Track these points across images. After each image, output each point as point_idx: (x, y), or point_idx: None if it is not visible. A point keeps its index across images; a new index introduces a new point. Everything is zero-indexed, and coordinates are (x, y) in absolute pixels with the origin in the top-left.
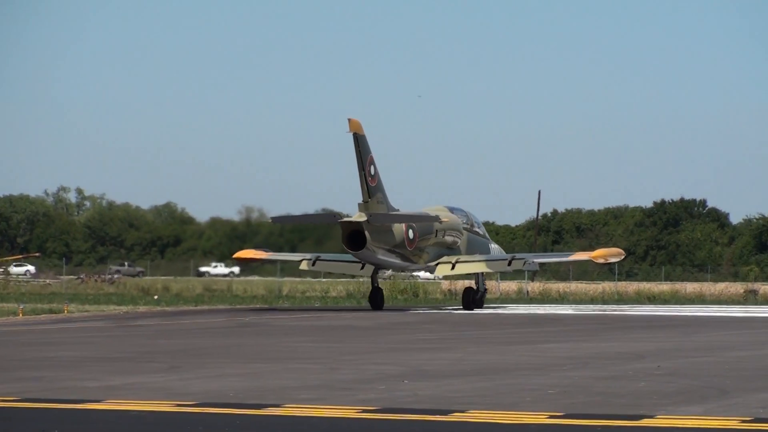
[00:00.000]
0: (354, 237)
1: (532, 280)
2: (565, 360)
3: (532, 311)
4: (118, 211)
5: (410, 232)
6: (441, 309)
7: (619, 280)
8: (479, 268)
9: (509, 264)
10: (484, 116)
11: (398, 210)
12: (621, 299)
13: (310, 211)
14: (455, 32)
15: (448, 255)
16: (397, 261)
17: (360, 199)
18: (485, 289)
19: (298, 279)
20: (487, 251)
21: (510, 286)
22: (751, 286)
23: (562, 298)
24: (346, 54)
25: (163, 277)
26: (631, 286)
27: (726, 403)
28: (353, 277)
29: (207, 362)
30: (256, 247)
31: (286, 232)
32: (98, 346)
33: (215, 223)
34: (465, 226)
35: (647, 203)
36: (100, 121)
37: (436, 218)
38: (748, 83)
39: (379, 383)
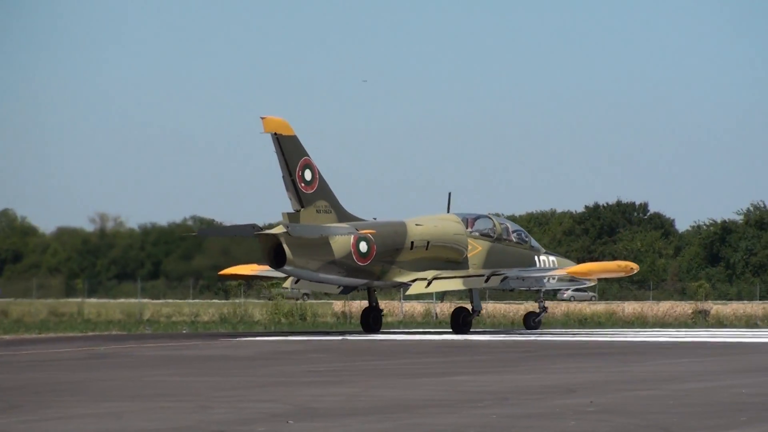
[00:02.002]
0: (275, 252)
1: (441, 300)
2: (482, 395)
3: (443, 337)
4: None
5: (363, 244)
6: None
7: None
8: (455, 285)
9: (487, 280)
10: (388, 108)
11: (370, 220)
12: (546, 322)
13: (178, 220)
14: (362, 25)
15: (443, 270)
16: (347, 278)
17: (286, 209)
18: (477, 311)
19: (161, 301)
20: (530, 263)
21: (415, 307)
22: (700, 305)
23: (477, 321)
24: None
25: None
26: (559, 307)
27: None
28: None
29: (54, 401)
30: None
31: (148, 246)
32: None
33: (63, 234)
34: (489, 234)
35: (578, 208)
36: None
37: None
38: (693, 71)
39: (259, 424)
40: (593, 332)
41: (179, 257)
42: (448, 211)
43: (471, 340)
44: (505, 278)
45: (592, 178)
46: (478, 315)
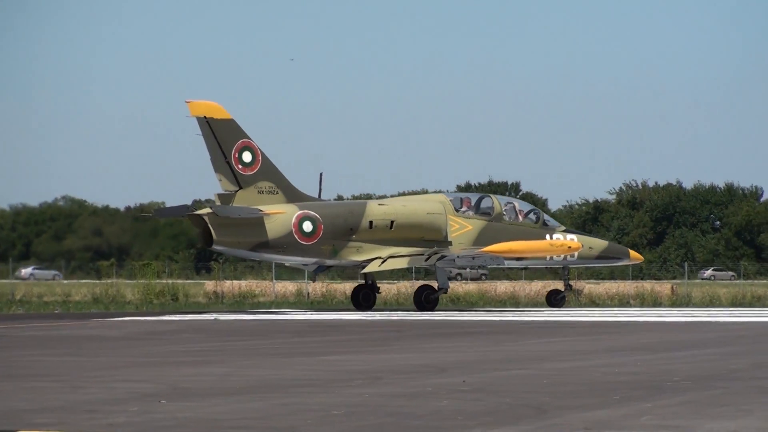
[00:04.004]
0: (207, 232)
1: (314, 280)
2: (353, 374)
3: (316, 317)
4: None
5: (307, 224)
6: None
7: (417, 279)
8: (401, 264)
9: (427, 259)
10: (256, 86)
11: (325, 201)
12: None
13: (50, 200)
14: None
15: (416, 247)
16: (290, 257)
17: (218, 189)
18: (445, 288)
19: (32, 281)
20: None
21: (287, 286)
22: (573, 284)
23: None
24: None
25: None
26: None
27: (544, 424)
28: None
29: None
30: None
31: (19, 226)
32: None
33: None
34: (487, 213)
35: (450, 187)
36: None
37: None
38: (565, 50)
39: (131, 404)
40: (466, 311)
41: (50, 238)
42: (320, 191)
43: (342, 319)
44: (442, 257)
45: (464, 157)
46: (444, 293)
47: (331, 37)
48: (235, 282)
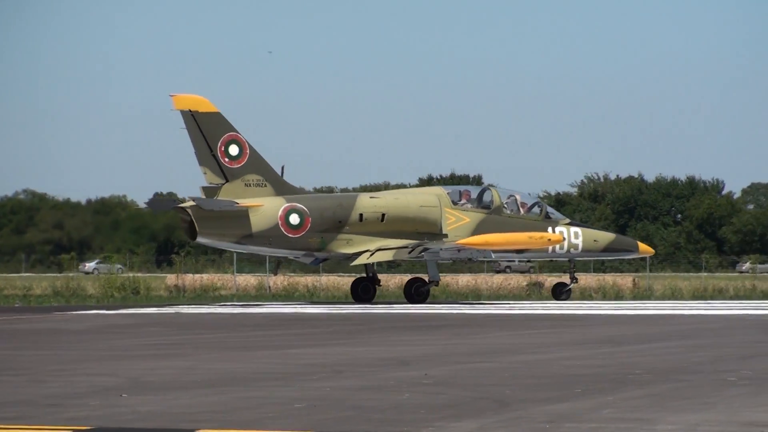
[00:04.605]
0: (190, 225)
1: (275, 274)
2: (315, 368)
3: (279, 310)
4: None
5: (294, 216)
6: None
7: (379, 272)
8: (386, 257)
9: (410, 252)
10: (217, 78)
11: (311, 193)
12: (381, 295)
13: (10, 193)
14: None
15: (412, 239)
16: (277, 250)
17: (203, 182)
18: (433, 281)
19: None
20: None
21: (248, 279)
22: (535, 278)
23: (311, 294)
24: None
25: None
26: (393, 280)
27: (506, 417)
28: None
29: None
30: None
31: None
32: None
33: None
34: (486, 206)
35: (412, 180)
36: None
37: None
38: (528, 41)
39: (92, 398)
40: (428, 305)
41: (11, 231)
42: None
43: (305, 313)
44: (425, 249)
45: (426, 149)
46: (435, 285)
47: (298, 32)
48: (197, 275)
